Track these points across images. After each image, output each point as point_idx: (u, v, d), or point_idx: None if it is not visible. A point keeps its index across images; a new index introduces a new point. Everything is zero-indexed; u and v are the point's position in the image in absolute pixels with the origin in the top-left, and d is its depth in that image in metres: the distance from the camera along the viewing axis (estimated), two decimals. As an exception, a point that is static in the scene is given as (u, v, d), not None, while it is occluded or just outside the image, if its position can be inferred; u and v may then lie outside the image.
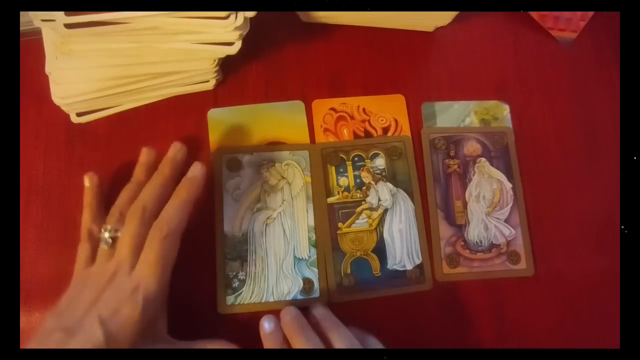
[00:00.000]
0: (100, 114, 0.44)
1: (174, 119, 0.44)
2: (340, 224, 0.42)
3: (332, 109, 0.45)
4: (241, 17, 0.37)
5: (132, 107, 0.44)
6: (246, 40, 0.40)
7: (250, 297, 0.40)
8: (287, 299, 0.41)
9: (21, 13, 0.38)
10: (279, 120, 0.44)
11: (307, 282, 0.41)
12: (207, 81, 0.44)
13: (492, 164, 0.45)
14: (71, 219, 0.41)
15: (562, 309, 0.43)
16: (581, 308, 0.43)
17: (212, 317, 0.40)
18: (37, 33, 0.41)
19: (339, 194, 0.43)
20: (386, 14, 0.44)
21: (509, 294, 0.43)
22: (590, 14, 0.50)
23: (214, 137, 0.44)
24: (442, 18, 0.45)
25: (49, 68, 0.40)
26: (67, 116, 0.43)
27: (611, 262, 0.44)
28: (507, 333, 0.42)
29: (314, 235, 0.42)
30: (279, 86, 0.45)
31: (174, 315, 0.38)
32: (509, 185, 0.45)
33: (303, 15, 0.46)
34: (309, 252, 0.42)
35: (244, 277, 0.41)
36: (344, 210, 0.43)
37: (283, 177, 0.43)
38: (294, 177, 0.43)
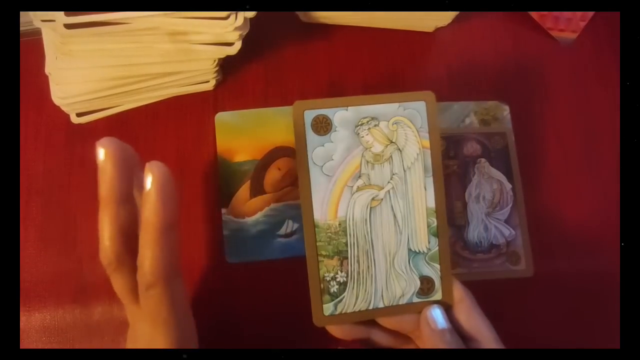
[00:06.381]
0: (100, 114, 0.44)
1: (174, 119, 0.44)
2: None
3: (332, 109, 0.45)
4: (241, 17, 0.37)
5: (132, 107, 0.44)
6: (246, 40, 0.40)
7: (355, 304, 0.33)
8: (401, 303, 0.33)
9: (21, 13, 0.38)
10: (286, 124, 0.44)
11: (426, 281, 0.33)
12: (207, 81, 0.44)
13: (492, 165, 0.45)
14: (71, 219, 0.41)
15: (561, 310, 0.43)
16: (581, 308, 0.43)
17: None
18: (37, 33, 0.41)
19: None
20: (386, 14, 0.44)
21: (508, 294, 0.43)
22: (590, 14, 0.49)
23: (221, 141, 0.44)
24: (442, 18, 0.45)
25: (49, 68, 0.40)
26: (67, 116, 0.43)
27: (610, 263, 0.44)
28: (507, 334, 0.42)
29: (435, 220, 0.33)
30: (279, 86, 0.45)
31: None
32: (508, 185, 0.45)
33: (303, 15, 0.46)
34: (428, 242, 0.33)
35: (345, 278, 0.32)
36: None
37: (391, 142, 0.33)
38: (406, 141, 0.33)
